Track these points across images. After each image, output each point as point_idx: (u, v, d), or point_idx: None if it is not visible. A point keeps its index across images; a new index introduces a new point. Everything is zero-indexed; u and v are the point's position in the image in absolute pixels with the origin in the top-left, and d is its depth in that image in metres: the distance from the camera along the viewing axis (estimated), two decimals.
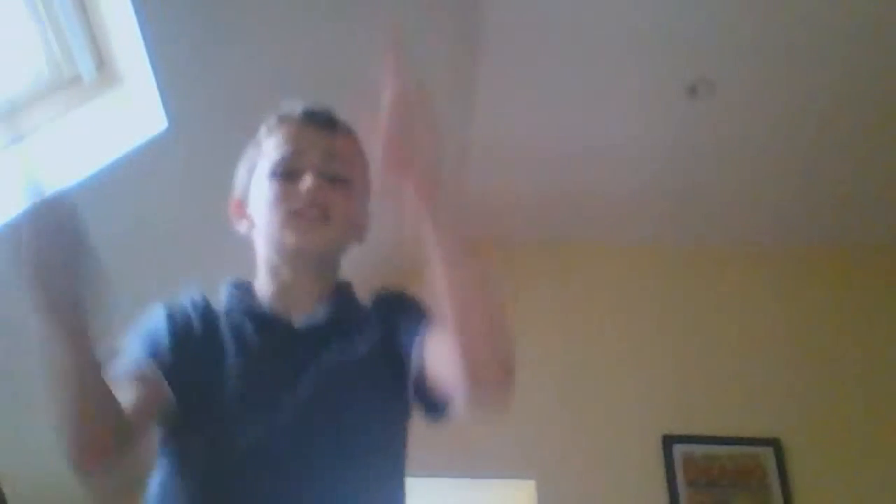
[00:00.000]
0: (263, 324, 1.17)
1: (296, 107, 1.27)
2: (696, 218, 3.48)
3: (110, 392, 0.96)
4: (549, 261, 3.55)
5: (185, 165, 2.11)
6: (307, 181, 1.17)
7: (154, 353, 1.10)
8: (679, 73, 2.84)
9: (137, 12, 1.75)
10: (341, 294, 1.24)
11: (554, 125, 3.04)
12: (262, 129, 1.27)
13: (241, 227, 1.26)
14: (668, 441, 3.16)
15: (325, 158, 1.21)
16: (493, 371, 1.00)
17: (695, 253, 3.58)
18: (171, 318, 1.16)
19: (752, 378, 3.31)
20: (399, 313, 1.20)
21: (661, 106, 2.97)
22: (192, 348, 1.13)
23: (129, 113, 1.96)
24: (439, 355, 1.08)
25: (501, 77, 2.83)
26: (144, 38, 1.79)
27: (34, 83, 1.93)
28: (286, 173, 1.19)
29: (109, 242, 2.15)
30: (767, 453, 3.14)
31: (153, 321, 1.16)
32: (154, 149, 1.97)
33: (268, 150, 1.24)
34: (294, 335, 1.17)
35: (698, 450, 3.14)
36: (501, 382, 1.01)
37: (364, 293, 1.27)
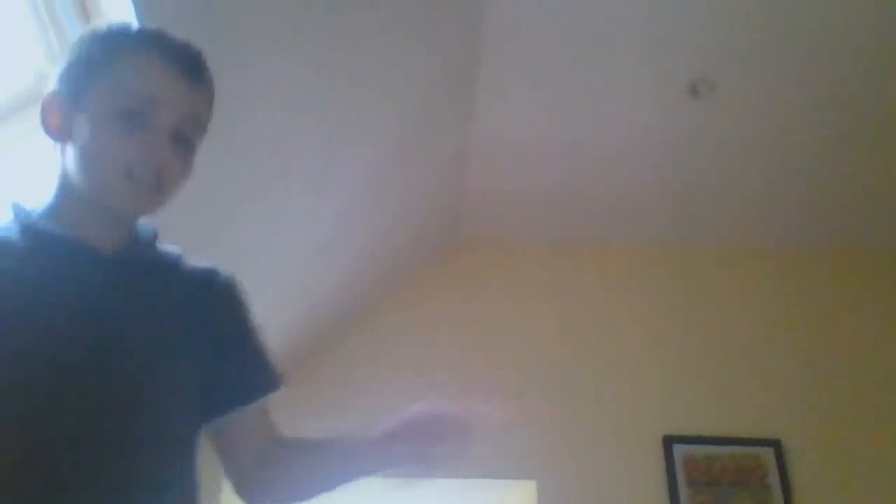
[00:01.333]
0: (65, 248, 1.06)
1: (167, 37, 1.11)
2: (696, 217, 3.49)
3: None
4: (550, 259, 3.55)
5: None
6: (158, 146, 1.05)
7: None
8: (679, 73, 2.84)
9: (138, 12, 1.75)
10: (146, 236, 1.17)
11: (554, 125, 3.04)
12: (124, 39, 1.11)
13: (52, 133, 1.10)
14: (669, 441, 3.16)
15: (183, 118, 1.08)
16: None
17: (695, 253, 3.58)
18: None
19: (752, 378, 3.32)
20: (227, 308, 1.22)
21: (661, 106, 2.97)
22: None
23: None
24: (241, 435, 1.20)
25: (501, 77, 2.83)
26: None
27: (35, 83, 1.92)
28: (134, 119, 1.05)
29: None
30: (768, 453, 3.14)
31: None
32: None
33: (120, 73, 1.07)
34: (102, 263, 1.08)
35: (699, 450, 3.14)
36: None
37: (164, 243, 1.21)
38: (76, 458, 0.96)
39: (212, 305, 1.19)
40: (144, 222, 1.17)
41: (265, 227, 2.52)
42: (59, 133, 1.09)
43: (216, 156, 2.19)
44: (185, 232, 2.33)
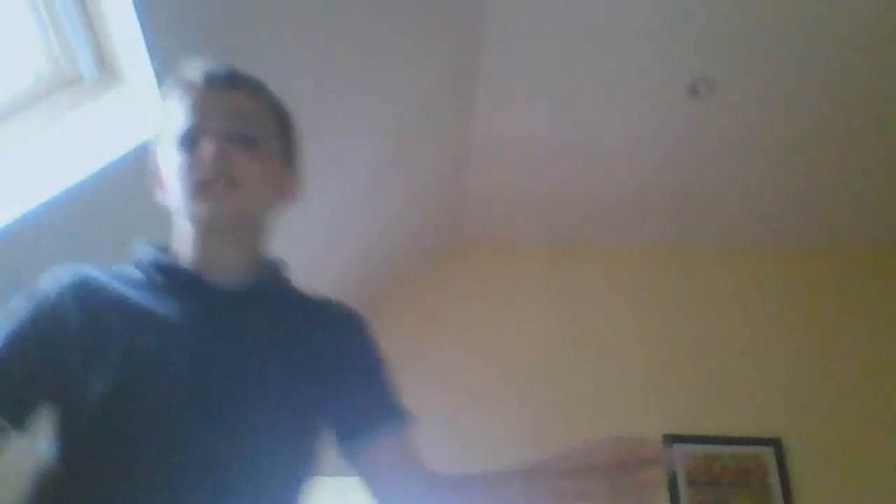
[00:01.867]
0: (182, 280, 1.11)
1: (196, 69, 1.18)
2: (696, 217, 3.49)
3: None
4: (549, 261, 3.55)
5: None
6: (207, 148, 1.10)
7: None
8: (679, 73, 2.84)
9: (139, 12, 1.75)
10: (271, 269, 1.20)
11: (554, 125, 3.04)
12: (167, 94, 1.20)
13: (160, 196, 1.20)
14: (669, 441, 3.16)
15: (228, 120, 1.14)
16: None
17: (695, 253, 3.58)
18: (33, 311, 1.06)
19: (752, 378, 3.32)
20: (358, 348, 1.21)
21: (661, 105, 2.97)
22: (60, 337, 1.03)
23: (131, 112, 1.96)
24: (386, 465, 1.20)
25: (501, 77, 2.83)
26: (146, 37, 1.79)
27: (35, 83, 1.93)
28: (190, 141, 1.12)
29: (109, 242, 2.14)
30: (768, 453, 3.14)
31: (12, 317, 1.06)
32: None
33: (173, 117, 1.17)
34: (219, 297, 1.11)
35: (699, 449, 3.14)
36: None
37: (298, 282, 1.24)
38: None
39: (340, 342, 1.20)
40: (270, 255, 1.21)
41: None
42: (164, 193, 1.18)
43: None
44: None
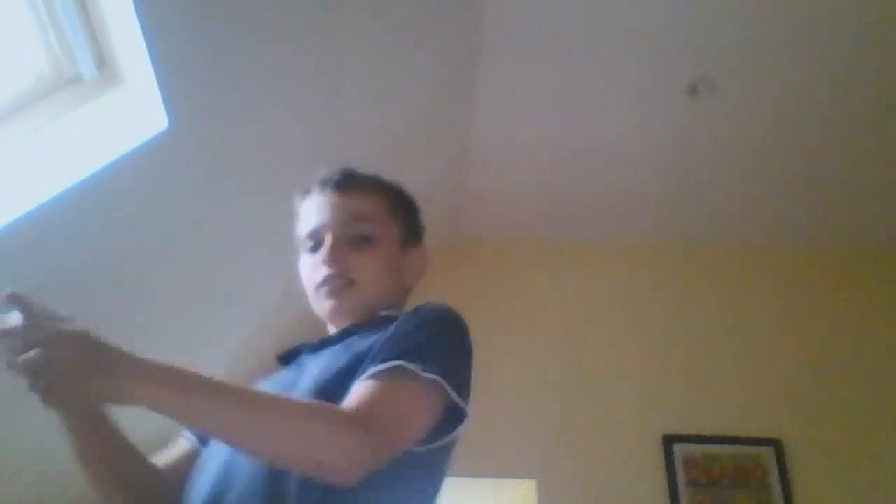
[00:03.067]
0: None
1: (316, 175, 1.32)
2: (695, 217, 3.49)
3: (125, 463, 1.12)
4: (549, 261, 3.55)
5: (186, 165, 2.11)
6: (322, 252, 1.24)
7: None
8: (679, 73, 2.84)
9: (139, 11, 1.75)
10: (374, 318, 1.25)
11: (554, 125, 3.04)
12: (294, 204, 1.35)
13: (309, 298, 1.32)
14: (669, 441, 3.16)
15: (342, 222, 1.26)
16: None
17: (695, 252, 3.58)
18: None
19: (752, 378, 3.32)
20: (392, 326, 1.14)
21: (661, 105, 2.97)
22: None
23: (131, 112, 1.96)
24: None
25: (501, 77, 2.83)
26: (146, 37, 1.79)
27: (35, 83, 1.93)
28: (314, 246, 1.28)
29: (110, 242, 2.15)
30: (768, 453, 3.14)
31: None
32: (155, 148, 1.96)
33: (300, 225, 1.32)
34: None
35: (699, 449, 3.14)
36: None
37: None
38: None
39: (383, 331, 1.16)
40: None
41: (264, 227, 2.52)
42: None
43: (215, 156, 2.19)
44: (186, 230, 2.34)
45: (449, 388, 1.05)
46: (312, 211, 1.30)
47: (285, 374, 1.23)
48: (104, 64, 1.96)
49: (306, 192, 1.33)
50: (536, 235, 3.56)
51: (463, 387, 1.10)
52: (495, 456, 3.08)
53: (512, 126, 3.04)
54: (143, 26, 1.77)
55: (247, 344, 2.73)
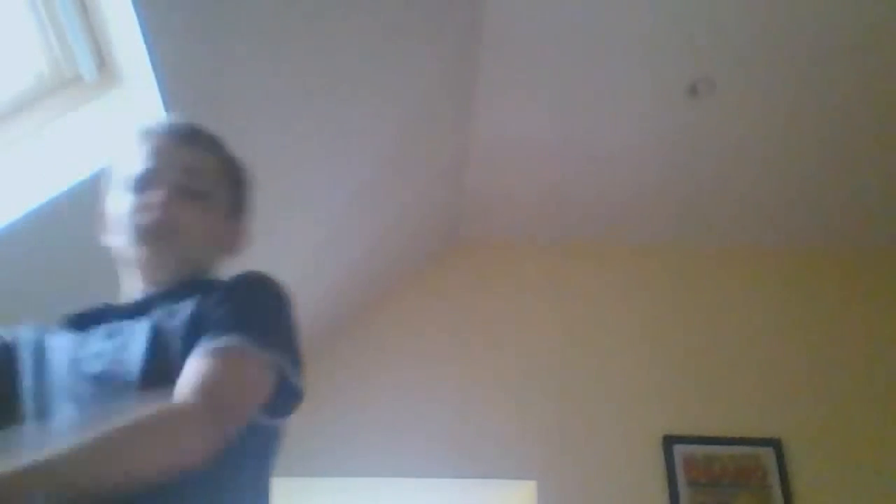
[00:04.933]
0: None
1: (161, 121, 1.30)
2: (695, 217, 3.49)
3: None
4: (549, 261, 3.55)
5: None
6: (157, 195, 1.18)
7: None
8: (679, 73, 2.84)
9: (138, 12, 1.75)
10: (188, 280, 1.20)
11: (554, 125, 3.04)
12: (129, 143, 1.28)
13: (107, 238, 1.26)
14: (669, 441, 3.16)
15: (182, 173, 1.22)
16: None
17: (695, 253, 3.58)
18: None
19: (752, 378, 3.32)
20: (214, 294, 1.12)
21: (661, 106, 2.97)
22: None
23: (130, 113, 1.96)
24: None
25: (501, 77, 2.83)
26: (145, 38, 1.79)
27: (35, 83, 1.92)
28: (142, 186, 1.21)
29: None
30: (768, 453, 3.14)
31: None
32: None
33: (128, 162, 1.25)
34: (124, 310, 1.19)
35: (699, 450, 3.14)
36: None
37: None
38: None
39: (203, 297, 1.14)
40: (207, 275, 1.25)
41: (264, 227, 2.52)
42: (111, 234, 1.25)
43: None
44: None
45: (286, 365, 1.06)
46: (150, 153, 1.23)
47: (99, 341, 1.12)
48: (104, 65, 1.96)
49: (146, 133, 1.27)
50: (535, 236, 3.56)
51: (297, 363, 1.11)
52: (495, 457, 3.09)
53: (512, 126, 3.04)
54: (142, 27, 1.77)
55: None
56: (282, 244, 2.66)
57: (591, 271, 3.54)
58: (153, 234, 1.17)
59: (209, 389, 0.97)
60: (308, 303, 3.08)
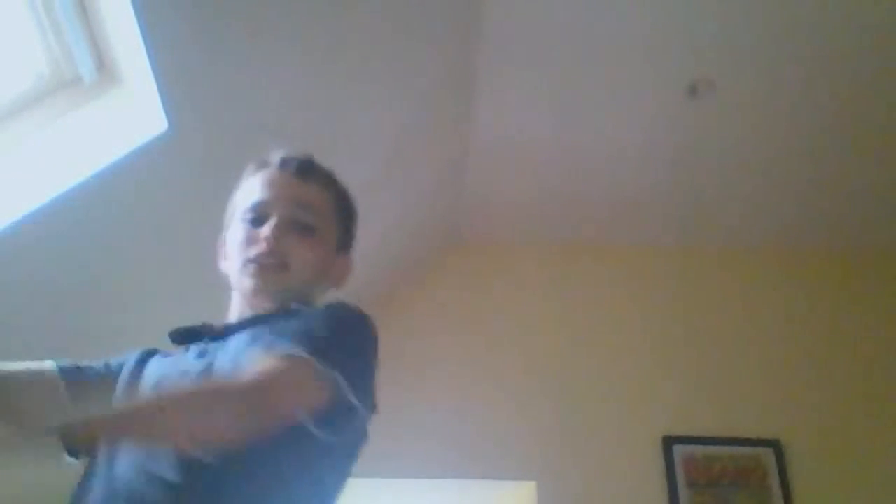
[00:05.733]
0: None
1: (277, 153, 1.31)
2: (695, 218, 3.49)
3: None
4: (549, 261, 3.55)
5: (185, 167, 2.11)
6: (267, 229, 1.22)
7: None
8: (679, 73, 2.84)
9: (138, 13, 1.75)
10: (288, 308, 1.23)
11: (554, 126, 3.04)
12: (245, 172, 1.32)
13: (222, 264, 1.30)
14: (669, 442, 3.16)
15: (292, 206, 1.25)
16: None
17: (695, 253, 3.58)
18: None
19: (752, 378, 3.32)
20: (293, 318, 1.17)
21: (661, 106, 2.97)
22: None
23: (130, 114, 1.96)
24: None
25: (501, 77, 2.83)
26: (145, 39, 1.79)
27: (34, 84, 1.93)
28: (255, 219, 1.24)
29: (109, 243, 2.15)
30: (768, 454, 3.14)
31: None
32: (154, 150, 1.96)
33: (245, 193, 1.29)
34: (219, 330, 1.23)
35: (699, 450, 3.14)
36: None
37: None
38: None
39: (285, 320, 1.20)
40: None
41: None
42: (226, 262, 1.29)
43: (214, 158, 2.19)
44: (185, 232, 2.34)
45: (344, 385, 1.06)
46: (265, 185, 1.27)
47: (189, 360, 1.19)
48: (103, 66, 1.96)
49: (262, 164, 1.31)
50: (535, 237, 3.55)
51: (362, 390, 1.12)
52: (495, 457, 3.09)
53: (512, 127, 3.04)
54: (142, 28, 1.77)
55: None
56: None
57: (591, 271, 3.54)
58: (262, 267, 1.21)
59: (259, 378, 1.02)
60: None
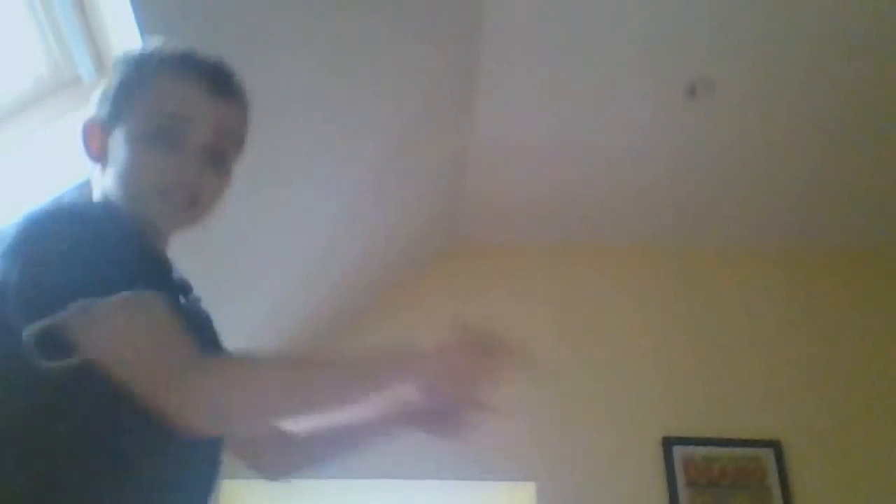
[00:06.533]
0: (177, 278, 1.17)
1: (197, 56, 1.13)
2: (695, 218, 3.49)
3: None
4: (549, 261, 3.55)
5: None
6: (190, 166, 1.08)
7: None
8: (679, 73, 2.84)
9: (137, 13, 1.75)
10: None
11: (553, 126, 3.04)
12: (155, 61, 1.12)
13: (92, 156, 1.13)
14: (669, 442, 3.16)
15: (216, 134, 1.10)
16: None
17: (695, 253, 3.58)
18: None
19: (752, 379, 3.32)
20: None
21: (660, 106, 2.97)
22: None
23: None
24: None
25: (501, 77, 2.82)
26: (144, 39, 1.79)
27: (34, 85, 1.92)
28: (167, 139, 1.07)
29: None
30: (768, 455, 3.14)
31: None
32: None
33: (154, 96, 1.09)
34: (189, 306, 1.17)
35: (698, 451, 3.14)
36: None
37: None
38: None
39: None
40: None
41: (263, 228, 2.52)
42: (99, 156, 1.12)
43: None
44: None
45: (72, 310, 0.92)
46: (186, 101, 1.09)
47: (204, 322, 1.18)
48: (103, 66, 1.96)
49: (181, 69, 1.11)
50: (535, 238, 3.55)
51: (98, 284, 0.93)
52: (494, 459, 3.08)
53: (511, 127, 3.04)
54: (141, 29, 1.77)
55: (255, 338, 2.73)
56: (282, 245, 2.66)
57: (591, 272, 3.54)
58: (177, 203, 1.08)
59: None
60: (308, 303, 3.08)
